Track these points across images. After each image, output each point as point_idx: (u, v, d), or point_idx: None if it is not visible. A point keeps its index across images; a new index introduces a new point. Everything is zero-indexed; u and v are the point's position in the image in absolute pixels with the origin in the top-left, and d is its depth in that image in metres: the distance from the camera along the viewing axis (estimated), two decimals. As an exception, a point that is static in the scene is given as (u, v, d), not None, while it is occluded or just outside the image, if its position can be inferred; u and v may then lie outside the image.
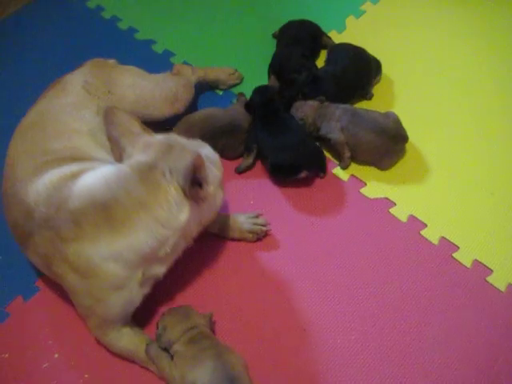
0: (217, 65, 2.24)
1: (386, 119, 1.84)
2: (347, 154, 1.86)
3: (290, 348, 1.53)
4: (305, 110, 1.91)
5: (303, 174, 1.81)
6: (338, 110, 1.88)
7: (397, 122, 1.84)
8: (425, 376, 1.45)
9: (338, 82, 1.97)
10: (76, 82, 1.74)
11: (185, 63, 2.28)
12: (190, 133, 1.83)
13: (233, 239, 1.74)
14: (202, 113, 1.95)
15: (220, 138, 1.87)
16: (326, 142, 1.90)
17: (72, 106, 1.67)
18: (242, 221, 1.73)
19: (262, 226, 1.73)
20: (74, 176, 1.40)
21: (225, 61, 2.27)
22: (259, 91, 1.97)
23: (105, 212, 1.30)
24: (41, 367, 1.55)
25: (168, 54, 2.36)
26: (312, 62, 2.13)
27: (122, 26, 2.53)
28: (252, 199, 1.86)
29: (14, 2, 2.74)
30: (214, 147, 1.82)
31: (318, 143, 1.92)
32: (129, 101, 1.79)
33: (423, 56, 2.23)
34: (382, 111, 1.89)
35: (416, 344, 1.50)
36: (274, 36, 2.31)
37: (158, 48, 2.40)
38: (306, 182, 1.87)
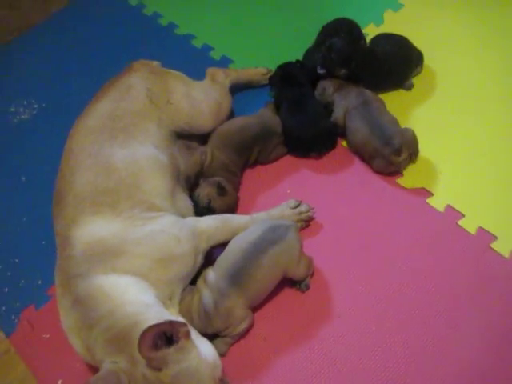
0: (254, 58, 2.28)
1: (393, 127, 1.78)
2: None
3: (322, 336, 1.55)
4: (325, 84, 1.95)
5: (313, 154, 1.90)
6: (353, 91, 1.89)
7: (404, 137, 1.75)
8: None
9: (375, 63, 1.95)
10: (140, 87, 1.72)
11: (223, 57, 2.34)
12: (227, 145, 1.85)
13: None
14: (236, 124, 1.92)
15: (255, 145, 1.88)
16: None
17: (139, 115, 1.66)
18: (288, 214, 1.70)
19: (307, 212, 1.73)
20: (115, 256, 1.40)
21: (262, 54, 2.31)
22: (280, 66, 2.03)
23: None
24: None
25: (207, 49, 2.41)
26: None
27: (163, 21, 2.61)
28: (288, 188, 1.88)
29: (57, 2, 2.85)
30: (250, 155, 1.88)
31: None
32: (184, 112, 1.79)
33: (465, 49, 2.18)
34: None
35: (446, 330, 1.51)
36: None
37: (198, 42, 2.46)
38: (341, 168, 1.89)
